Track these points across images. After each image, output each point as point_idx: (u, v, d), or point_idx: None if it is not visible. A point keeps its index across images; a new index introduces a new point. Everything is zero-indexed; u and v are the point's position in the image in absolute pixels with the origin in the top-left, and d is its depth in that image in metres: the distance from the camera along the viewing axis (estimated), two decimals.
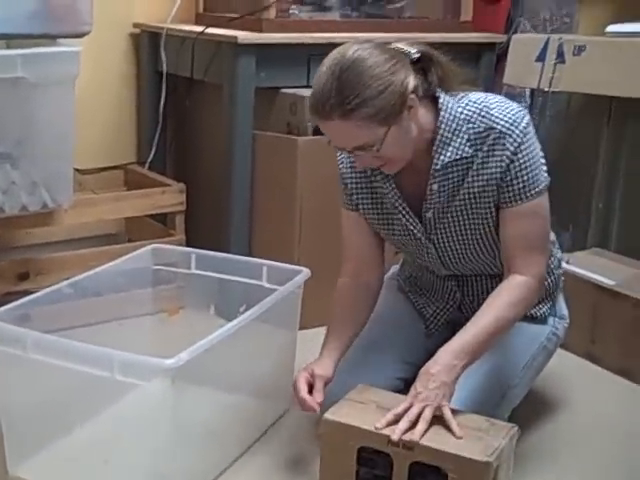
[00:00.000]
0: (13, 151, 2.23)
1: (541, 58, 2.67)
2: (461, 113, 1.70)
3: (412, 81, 1.62)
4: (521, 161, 1.68)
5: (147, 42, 2.84)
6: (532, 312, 1.90)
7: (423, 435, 1.56)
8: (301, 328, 2.06)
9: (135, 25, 2.87)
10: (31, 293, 1.86)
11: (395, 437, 1.56)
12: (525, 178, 1.69)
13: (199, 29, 2.59)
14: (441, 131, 1.70)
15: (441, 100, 1.70)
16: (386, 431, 1.58)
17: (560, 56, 2.62)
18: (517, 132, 1.68)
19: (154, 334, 2.18)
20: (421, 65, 1.67)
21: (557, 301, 1.98)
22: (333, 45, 2.47)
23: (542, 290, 1.83)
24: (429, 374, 1.63)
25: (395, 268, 2.13)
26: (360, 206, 1.86)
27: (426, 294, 2.00)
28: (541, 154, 1.73)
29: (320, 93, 1.59)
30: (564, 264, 2.35)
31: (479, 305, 1.81)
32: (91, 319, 2.07)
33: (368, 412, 1.65)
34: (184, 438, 1.65)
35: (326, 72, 1.60)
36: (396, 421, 1.59)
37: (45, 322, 1.76)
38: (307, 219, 2.44)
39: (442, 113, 1.69)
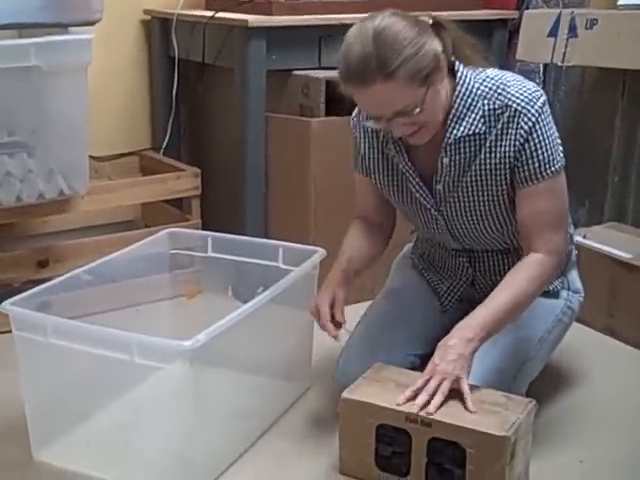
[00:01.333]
0: (29, 140, 2.25)
1: (553, 33, 2.65)
2: (477, 88, 1.70)
3: (438, 43, 1.63)
4: (536, 140, 1.68)
5: (158, 28, 2.85)
6: None
7: (439, 408, 1.58)
8: None
9: (145, 11, 2.88)
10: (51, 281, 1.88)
11: (415, 410, 1.58)
12: (540, 158, 1.69)
13: (209, 14, 2.60)
14: (456, 105, 1.70)
15: (459, 73, 1.70)
16: (405, 407, 1.60)
17: (572, 30, 2.60)
18: (532, 111, 1.67)
19: (173, 318, 2.19)
20: (436, 31, 1.66)
21: (569, 275, 1.98)
22: (344, 26, 2.47)
23: (560, 267, 1.83)
24: (447, 346, 1.64)
25: (408, 247, 2.13)
26: (373, 173, 1.87)
27: (439, 271, 2.00)
28: (557, 134, 1.73)
29: (357, 61, 1.57)
30: (580, 238, 2.35)
31: (491, 281, 1.82)
32: (110, 305, 2.08)
33: (386, 390, 1.66)
34: (205, 419, 1.66)
35: (358, 41, 1.59)
36: (416, 396, 1.60)
37: (65, 309, 1.77)
38: (321, 200, 2.45)
39: (459, 87, 1.69)
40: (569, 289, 1.96)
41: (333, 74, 2.43)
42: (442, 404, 1.59)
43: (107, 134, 2.84)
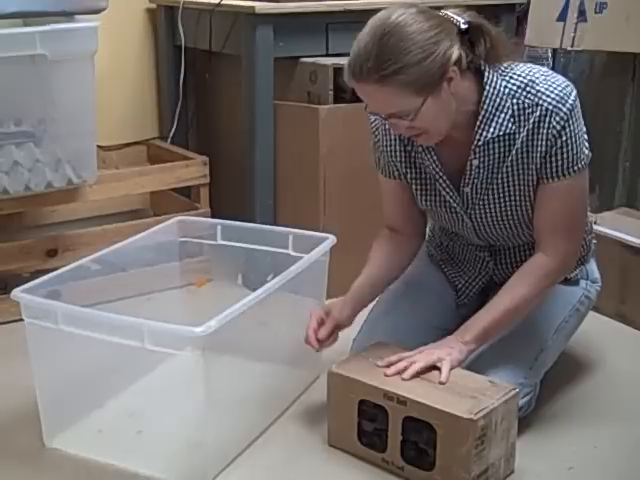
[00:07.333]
0: (36, 129, 2.25)
1: (562, 17, 2.62)
2: (505, 87, 1.65)
3: (456, 52, 1.56)
4: (564, 138, 1.64)
5: (164, 16, 2.84)
6: None
7: (414, 376, 1.63)
8: (328, 297, 2.05)
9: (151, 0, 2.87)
10: None
11: (389, 372, 1.64)
12: (566, 155, 1.65)
13: (216, 1, 2.58)
14: (485, 106, 1.64)
15: (486, 74, 1.64)
16: (381, 382, 1.63)
17: (582, 14, 2.58)
18: (564, 110, 1.62)
19: (183, 306, 2.19)
20: (469, 36, 1.60)
21: (589, 265, 1.96)
22: (351, 12, 2.50)
23: (568, 271, 1.82)
24: (445, 344, 1.69)
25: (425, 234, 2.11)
26: (399, 175, 1.82)
27: (458, 263, 1.98)
28: (584, 129, 1.69)
29: (358, 55, 1.55)
30: None
31: (512, 274, 1.79)
32: (120, 294, 2.08)
33: (372, 367, 1.69)
34: (216, 406, 1.66)
35: (367, 34, 1.55)
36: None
37: (74, 298, 1.76)
38: (331, 186, 2.44)
39: (487, 88, 1.64)
40: (587, 279, 1.94)
41: (341, 61, 2.45)
42: (419, 374, 1.64)
43: (114, 123, 2.83)
